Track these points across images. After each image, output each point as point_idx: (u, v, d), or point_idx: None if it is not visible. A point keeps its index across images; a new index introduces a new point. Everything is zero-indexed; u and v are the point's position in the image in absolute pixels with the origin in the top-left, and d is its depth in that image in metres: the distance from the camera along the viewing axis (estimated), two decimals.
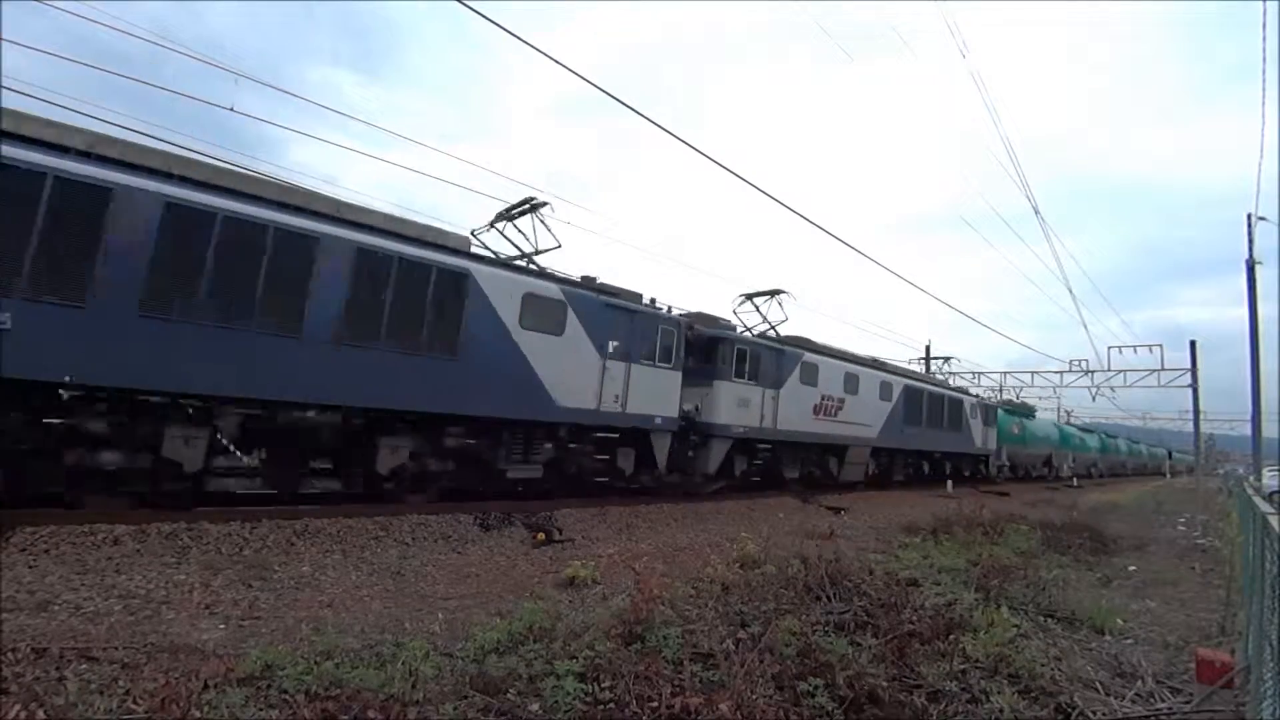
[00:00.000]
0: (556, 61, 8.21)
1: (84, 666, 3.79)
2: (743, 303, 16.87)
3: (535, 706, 3.63)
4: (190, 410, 7.48)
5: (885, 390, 20.08)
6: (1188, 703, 4.45)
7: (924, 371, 36.98)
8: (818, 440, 17.32)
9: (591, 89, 8.71)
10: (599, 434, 11.74)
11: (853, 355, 19.43)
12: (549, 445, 11.10)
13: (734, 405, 14.42)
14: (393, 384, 8.70)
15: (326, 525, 8.09)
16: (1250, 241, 19.83)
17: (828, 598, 5.92)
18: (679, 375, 13.06)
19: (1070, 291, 46.76)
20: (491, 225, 12.43)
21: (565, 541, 9.31)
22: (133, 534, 6.76)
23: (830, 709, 3.79)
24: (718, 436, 14.13)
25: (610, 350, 11.60)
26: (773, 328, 16.60)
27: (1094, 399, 37.25)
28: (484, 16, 7.04)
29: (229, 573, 6.29)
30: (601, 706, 3.60)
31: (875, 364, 20.64)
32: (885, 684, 4.16)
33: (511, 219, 12.38)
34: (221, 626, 4.97)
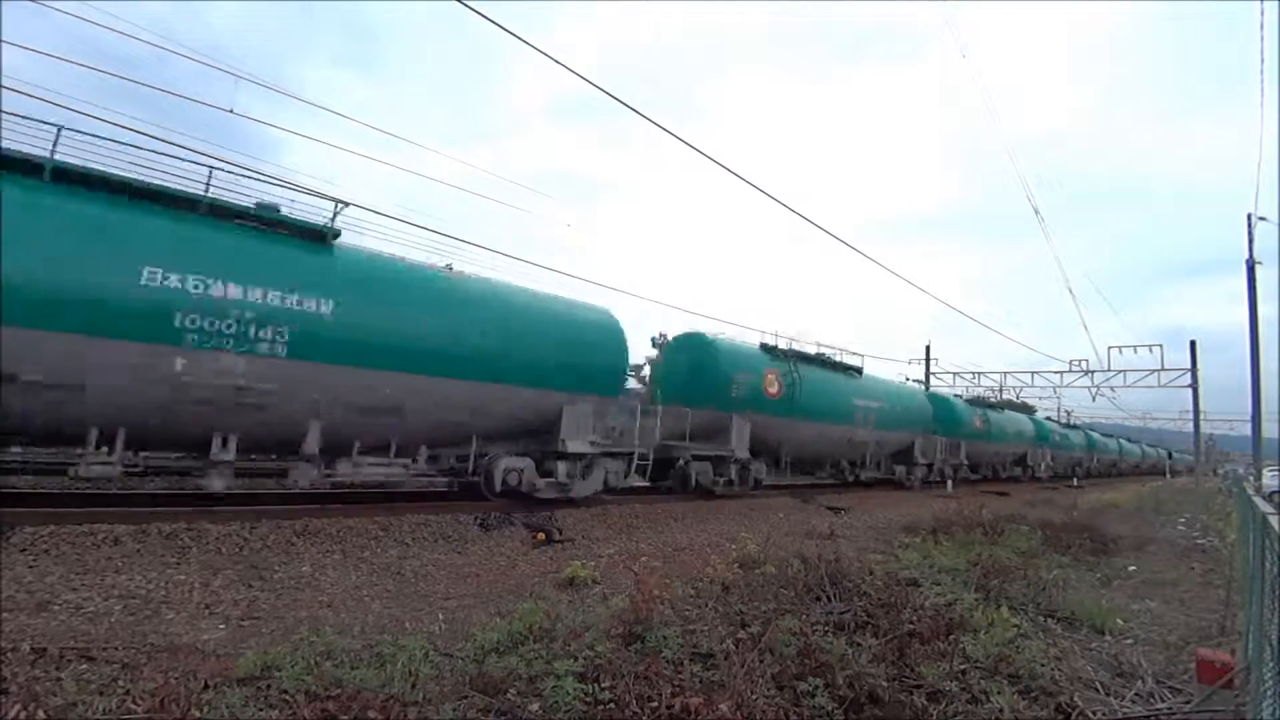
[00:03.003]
0: (557, 61, 8.21)
1: (84, 666, 3.79)
2: None
3: (535, 706, 3.63)
4: None
5: None
6: (1188, 703, 4.44)
7: (923, 375, 36.63)
8: None
9: (590, 90, 8.70)
10: None
11: None
12: None
13: None
14: None
15: (326, 525, 8.09)
16: (1250, 241, 19.85)
17: (828, 598, 5.91)
18: None
19: (1070, 292, 46.65)
20: None
21: (565, 541, 9.31)
22: (133, 534, 6.76)
23: (830, 709, 3.78)
24: None
25: None
26: None
27: (1094, 399, 37.27)
28: (484, 16, 7.04)
29: (229, 573, 6.29)
30: (601, 706, 3.59)
31: None
32: (885, 684, 4.15)
33: None
34: (221, 626, 4.97)
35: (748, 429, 15.31)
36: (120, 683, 3.61)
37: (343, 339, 8.60)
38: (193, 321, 7.52)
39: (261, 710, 3.35)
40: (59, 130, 7.42)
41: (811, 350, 18.52)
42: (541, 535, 9.25)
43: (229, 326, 7.74)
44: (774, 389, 16.28)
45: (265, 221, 8.69)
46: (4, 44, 8.23)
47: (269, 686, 3.60)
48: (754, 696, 3.72)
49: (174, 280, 7.43)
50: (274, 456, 10.12)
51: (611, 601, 5.70)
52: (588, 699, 3.64)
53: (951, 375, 38.53)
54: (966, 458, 25.91)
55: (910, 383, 29.99)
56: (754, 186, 11.75)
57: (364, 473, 9.31)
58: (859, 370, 20.56)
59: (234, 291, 7.80)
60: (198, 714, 3.20)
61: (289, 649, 4.11)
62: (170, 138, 9.66)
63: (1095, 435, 47.45)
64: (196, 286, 7.56)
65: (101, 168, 7.63)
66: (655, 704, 3.56)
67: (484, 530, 9.32)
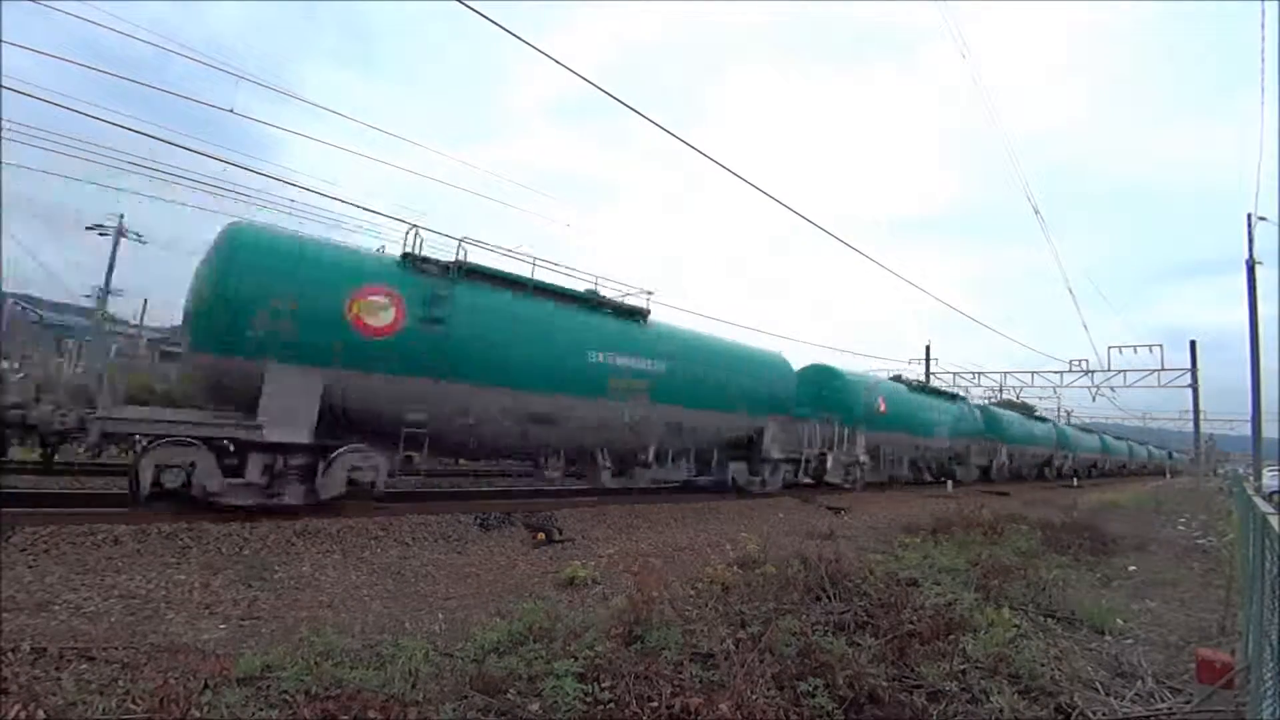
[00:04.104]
0: (557, 61, 8.20)
1: (83, 666, 3.79)
2: None
3: (535, 706, 3.63)
4: None
5: None
6: (1188, 703, 4.45)
7: (924, 374, 36.66)
8: None
9: (590, 90, 8.70)
10: None
11: None
12: None
13: None
14: None
15: (326, 525, 8.08)
16: (1250, 241, 19.84)
17: (828, 598, 5.91)
18: None
19: (1070, 292, 46.49)
20: None
21: (565, 541, 9.30)
22: (133, 534, 6.76)
23: (830, 709, 3.78)
24: None
25: None
26: None
27: (1094, 399, 37.27)
28: (484, 16, 7.03)
29: (229, 573, 6.29)
30: (601, 706, 3.59)
31: None
32: (885, 684, 4.15)
33: None
34: (221, 626, 4.97)
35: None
36: (120, 683, 3.60)
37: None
38: None
39: (261, 710, 3.34)
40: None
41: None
42: (541, 535, 9.24)
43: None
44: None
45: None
46: (4, 44, 8.24)
47: (269, 686, 3.60)
48: (754, 696, 3.72)
49: None
50: None
51: (611, 601, 5.70)
52: (588, 699, 3.64)
53: (951, 375, 38.58)
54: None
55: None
56: (754, 186, 11.75)
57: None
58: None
59: None
60: (198, 714, 3.20)
61: (289, 649, 4.11)
62: (170, 138, 9.66)
63: (1062, 427, 41.81)
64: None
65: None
66: (655, 704, 3.56)
67: (484, 530, 9.32)
